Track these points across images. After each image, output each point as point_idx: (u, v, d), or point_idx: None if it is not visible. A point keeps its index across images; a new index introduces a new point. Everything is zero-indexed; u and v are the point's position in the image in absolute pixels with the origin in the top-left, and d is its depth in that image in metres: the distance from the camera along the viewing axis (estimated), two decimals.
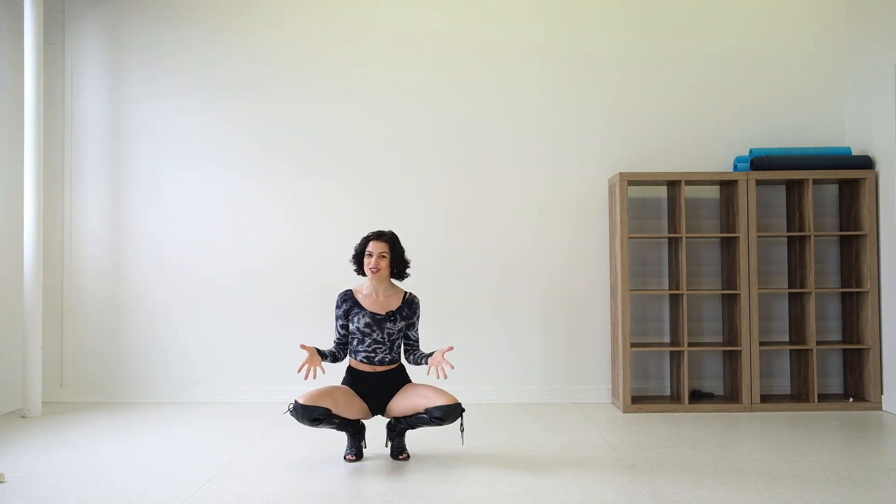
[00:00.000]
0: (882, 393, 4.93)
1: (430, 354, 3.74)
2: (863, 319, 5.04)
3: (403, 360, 3.92)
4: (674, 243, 5.22)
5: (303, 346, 3.66)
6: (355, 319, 3.76)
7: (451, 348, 3.70)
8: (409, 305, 3.83)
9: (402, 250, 3.85)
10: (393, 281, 3.90)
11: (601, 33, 5.47)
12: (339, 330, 3.80)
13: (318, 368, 3.61)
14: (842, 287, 5.25)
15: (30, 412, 4.90)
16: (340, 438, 4.07)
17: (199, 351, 5.40)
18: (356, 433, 3.78)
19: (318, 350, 3.70)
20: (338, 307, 3.81)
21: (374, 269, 3.75)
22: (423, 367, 3.89)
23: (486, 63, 5.46)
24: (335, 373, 4.07)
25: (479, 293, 5.39)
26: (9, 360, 5.06)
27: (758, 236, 5.08)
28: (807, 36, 5.46)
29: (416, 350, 3.85)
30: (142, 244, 5.45)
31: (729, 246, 5.19)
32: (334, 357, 3.79)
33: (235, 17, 5.50)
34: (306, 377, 3.59)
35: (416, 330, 3.85)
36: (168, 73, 5.49)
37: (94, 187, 5.47)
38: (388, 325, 3.76)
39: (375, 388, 3.76)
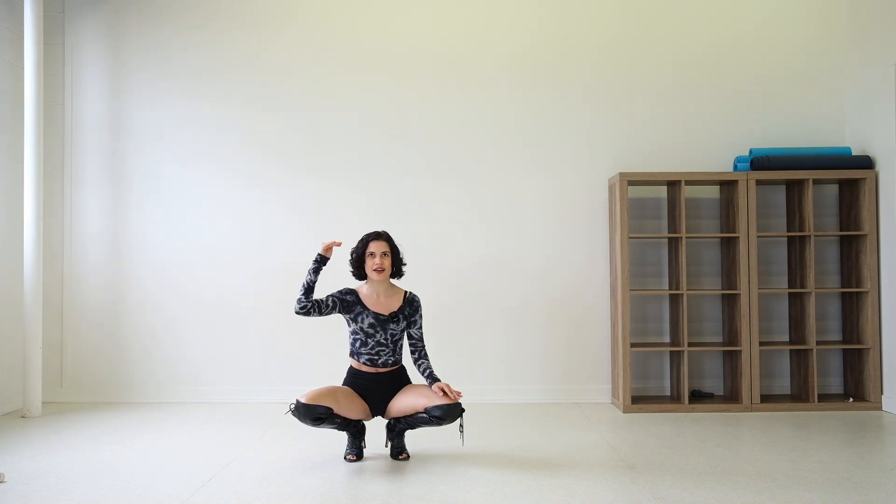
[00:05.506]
0: (882, 393, 4.93)
1: (436, 379, 3.66)
2: (863, 319, 5.04)
3: (405, 361, 3.92)
4: (674, 243, 5.22)
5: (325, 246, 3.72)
6: (359, 319, 3.76)
7: (461, 395, 3.63)
8: (410, 304, 3.82)
9: (397, 248, 3.87)
10: (391, 280, 3.89)
11: (601, 33, 5.47)
12: (328, 300, 3.71)
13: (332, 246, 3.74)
14: (842, 287, 5.25)
15: (30, 412, 4.90)
16: (340, 439, 4.07)
17: (199, 351, 5.40)
18: (357, 433, 3.78)
19: (322, 256, 3.72)
20: (341, 291, 3.77)
21: (381, 269, 3.74)
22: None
23: (486, 63, 5.46)
24: (335, 374, 4.07)
25: (479, 293, 5.39)
26: (9, 360, 5.05)
27: (758, 236, 5.08)
28: (807, 36, 5.46)
29: (420, 349, 3.80)
30: (142, 244, 5.45)
31: (729, 246, 5.19)
32: (310, 288, 3.68)
33: (236, 17, 5.50)
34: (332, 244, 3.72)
35: (419, 328, 3.82)
36: (168, 72, 5.49)
37: (94, 187, 5.47)
38: (392, 325, 3.76)
39: (376, 388, 3.76)
